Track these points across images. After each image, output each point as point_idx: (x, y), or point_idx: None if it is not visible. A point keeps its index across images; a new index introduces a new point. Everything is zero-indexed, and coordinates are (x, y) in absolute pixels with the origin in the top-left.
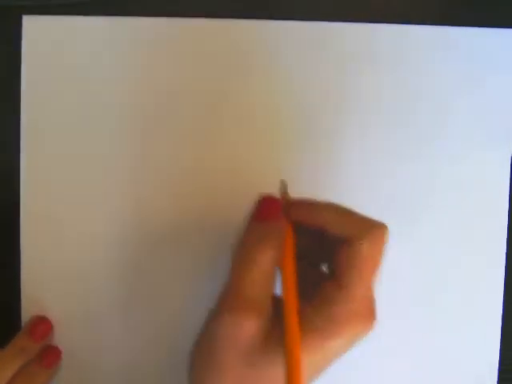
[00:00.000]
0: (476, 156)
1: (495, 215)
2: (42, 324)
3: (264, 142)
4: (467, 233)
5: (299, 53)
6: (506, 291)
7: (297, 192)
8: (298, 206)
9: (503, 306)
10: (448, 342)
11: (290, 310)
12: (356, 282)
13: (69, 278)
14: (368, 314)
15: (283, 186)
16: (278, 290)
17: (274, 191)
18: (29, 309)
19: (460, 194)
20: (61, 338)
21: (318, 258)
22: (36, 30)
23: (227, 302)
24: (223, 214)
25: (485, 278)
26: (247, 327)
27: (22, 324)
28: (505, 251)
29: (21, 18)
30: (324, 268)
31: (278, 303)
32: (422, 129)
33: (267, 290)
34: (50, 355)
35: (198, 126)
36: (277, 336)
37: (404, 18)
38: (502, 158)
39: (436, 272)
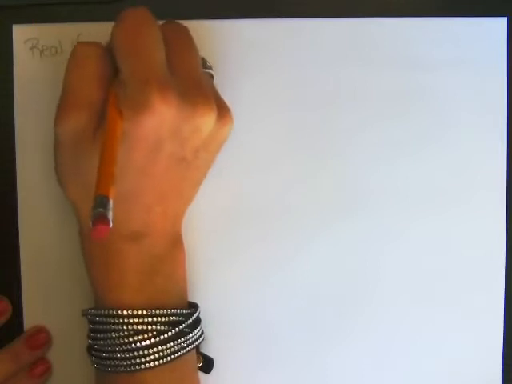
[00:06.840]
0: (475, 151)
1: (494, 210)
2: (40, 334)
3: (262, 136)
4: (466, 231)
5: (295, 50)
6: (506, 290)
7: (297, 184)
8: None
9: (504, 306)
10: (448, 343)
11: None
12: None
13: (72, 292)
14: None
15: None
16: None
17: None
18: (32, 318)
19: (459, 193)
20: (63, 349)
21: None
22: (25, 39)
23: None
24: None
25: (485, 277)
26: (74, 119)
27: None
28: (504, 248)
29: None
30: None
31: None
32: (421, 123)
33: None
34: (41, 365)
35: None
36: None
37: (403, 12)
38: (500, 148)
39: (435, 271)
